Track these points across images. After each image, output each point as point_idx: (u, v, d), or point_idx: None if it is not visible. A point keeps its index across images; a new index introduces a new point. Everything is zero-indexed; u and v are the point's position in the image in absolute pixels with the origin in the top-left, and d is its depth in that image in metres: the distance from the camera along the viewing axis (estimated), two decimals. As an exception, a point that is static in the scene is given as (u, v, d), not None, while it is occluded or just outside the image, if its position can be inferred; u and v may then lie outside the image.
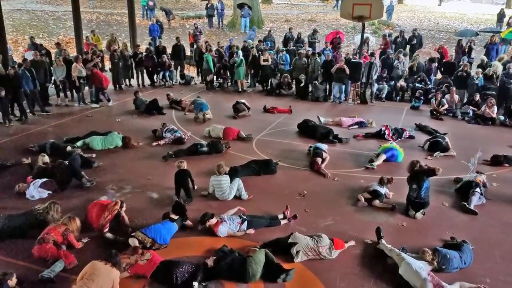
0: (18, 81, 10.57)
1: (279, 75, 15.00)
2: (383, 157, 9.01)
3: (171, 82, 15.70)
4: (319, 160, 8.69)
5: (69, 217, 5.93)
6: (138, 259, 5.24)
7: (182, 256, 5.64)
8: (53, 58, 13.05)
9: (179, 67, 16.21)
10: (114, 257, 4.99)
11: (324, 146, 9.32)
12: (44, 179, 7.27)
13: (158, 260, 5.26)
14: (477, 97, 12.71)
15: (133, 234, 5.96)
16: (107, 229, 6.10)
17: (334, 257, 5.77)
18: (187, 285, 5.05)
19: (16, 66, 11.20)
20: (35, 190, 7.13)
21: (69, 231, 5.79)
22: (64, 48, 14.27)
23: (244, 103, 12.53)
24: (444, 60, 15.10)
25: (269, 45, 16.51)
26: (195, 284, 5.05)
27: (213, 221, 6.21)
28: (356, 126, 11.37)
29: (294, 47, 16.17)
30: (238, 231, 6.21)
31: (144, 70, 15.09)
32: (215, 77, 15.52)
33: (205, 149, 9.30)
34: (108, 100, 12.91)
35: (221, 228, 6.13)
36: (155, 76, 15.65)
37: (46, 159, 7.83)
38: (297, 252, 5.66)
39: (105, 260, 4.91)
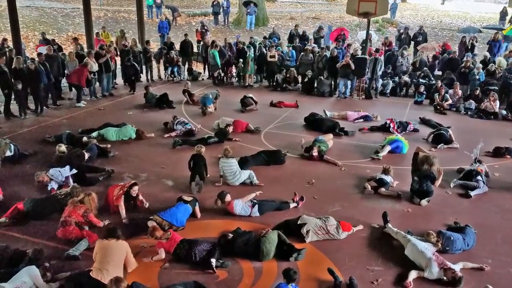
0: (38, 76, 10.87)
1: (284, 70, 15.27)
2: (388, 148, 9.30)
3: (179, 77, 15.96)
4: (314, 152, 8.94)
5: (85, 193, 6.16)
6: (159, 237, 5.53)
7: (198, 237, 5.93)
8: (67, 53, 13.32)
9: (186, 63, 16.49)
10: (115, 231, 5.15)
11: (323, 138, 9.59)
12: (67, 170, 7.46)
13: (178, 239, 5.56)
14: (477, 91, 13.00)
15: (151, 217, 6.27)
16: (120, 204, 6.42)
17: (343, 238, 6.08)
18: (205, 262, 5.37)
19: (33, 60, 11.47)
20: (56, 185, 7.31)
21: (88, 211, 6.01)
22: (81, 43, 14.55)
23: (252, 98, 12.82)
24: (447, 57, 15.36)
25: (276, 41, 16.77)
26: (213, 261, 5.36)
27: (228, 198, 6.57)
28: (362, 120, 11.65)
29: (300, 44, 16.44)
30: (249, 214, 6.54)
31: (153, 66, 15.41)
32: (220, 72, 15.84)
33: (214, 139, 9.64)
34: (78, 101, 12.44)
35: (235, 203, 6.52)
36: (163, 72, 16.00)
37: (63, 148, 8.12)
38: (307, 231, 5.96)
39: (108, 237, 5.09)
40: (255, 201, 6.66)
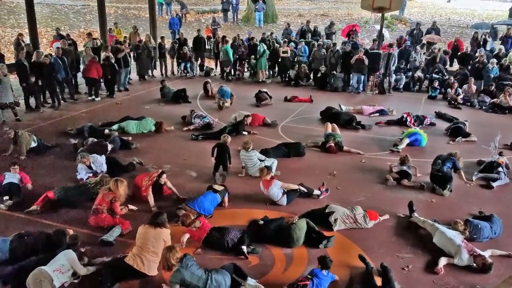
0: (53, 70, 10.97)
1: (297, 66, 15.33)
2: (407, 140, 9.34)
3: (191, 73, 16.03)
4: (331, 143, 9.01)
5: (115, 180, 6.10)
6: (190, 224, 5.60)
7: (226, 225, 5.98)
8: (82, 48, 13.40)
9: (199, 59, 16.56)
10: (157, 218, 5.11)
11: (328, 130, 9.60)
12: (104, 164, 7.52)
13: (208, 227, 5.62)
14: (492, 86, 13.02)
15: (180, 206, 6.38)
16: (148, 194, 6.51)
17: (370, 227, 6.15)
18: (236, 249, 5.45)
19: (49, 55, 11.55)
20: (86, 175, 7.34)
21: (115, 199, 5.99)
22: (95, 38, 14.66)
23: (266, 92, 12.90)
24: (460, 52, 15.42)
25: (294, 35, 16.82)
26: (244, 248, 5.44)
27: (269, 176, 6.66)
28: (377, 114, 11.69)
29: (311, 40, 16.50)
30: (278, 201, 6.63)
31: (167, 61, 15.53)
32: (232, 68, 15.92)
33: (230, 127, 9.79)
34: (96, 96, 12.57)
35: (275, 183, 6.62)
36: (176, 67, 16.10)
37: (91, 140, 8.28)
38: (335, 220, 6.03)
39: (149, 224, 5.09)
40: (285, 190, 6.73)
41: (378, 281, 4.96)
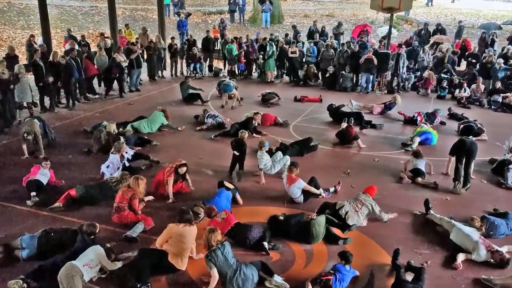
0: (70, 70, 11.11)
1: (306, 66, 15.42)
2: (418, 139, 9.41)
3: (201, 73, 16.13)
4: (348, 124, 9.32)
5: (136, 178, 6.21)
6: (215, 216, 5.72)
7: (246, 222, 6.10)
8: (94, 48, 13.54)
9: (208, 59, 16.67)
10: (186, 215, 5.26)
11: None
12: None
13: (233, 221, 5.74)
14: (498, 84, 13.10)
15: (196, 204, 6.41)
16: (170, 180, 6.69)
17: (378, 212, 6.28)
18: (257, 245, 5.57)
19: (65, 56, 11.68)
20: (108, 173, 7.44)
21: (134, 196, 6.09)
22: (108, 36, 14.80)
23: (270, 92, 12.95)
24: (467, 52, 15.49)
25: (300, 35, 16.92)
26: (265, 244, 5.56)
27: (296, 172, 6.82)
28: (387, 110, 11.82)
29: (320, 40, 16.58)
30: (296, 198, 6.75)
31: (178, 61, 15.69)
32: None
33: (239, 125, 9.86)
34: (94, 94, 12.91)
35: (299, 181, 6.74)
36: (185, 68, 16.23)
37: (114, 127, 8.59)
38: (346, 212, 6.14)
39: (178, 222, 5.21)
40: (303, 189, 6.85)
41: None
